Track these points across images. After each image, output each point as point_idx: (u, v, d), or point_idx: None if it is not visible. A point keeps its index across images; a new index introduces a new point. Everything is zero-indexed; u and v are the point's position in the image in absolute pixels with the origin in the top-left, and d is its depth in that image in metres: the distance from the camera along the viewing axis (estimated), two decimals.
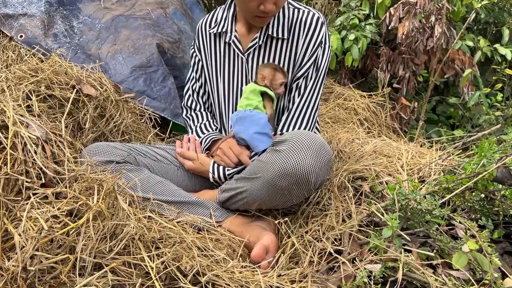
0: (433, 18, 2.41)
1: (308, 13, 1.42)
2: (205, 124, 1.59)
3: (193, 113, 1.65)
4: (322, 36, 1.42)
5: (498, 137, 1.89)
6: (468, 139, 1.96)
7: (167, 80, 1.91)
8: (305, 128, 1.42)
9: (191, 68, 1.65)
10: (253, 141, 1.37)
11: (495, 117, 2.35)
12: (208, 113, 1.65)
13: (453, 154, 1.72)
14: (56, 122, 1.30)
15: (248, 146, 1.41)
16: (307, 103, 1.43)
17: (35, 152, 1.05)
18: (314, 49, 1.41)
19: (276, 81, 1.41)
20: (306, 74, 1.42)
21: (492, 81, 2.65)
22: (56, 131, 1.23)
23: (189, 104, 1.66)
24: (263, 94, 1.41)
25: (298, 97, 1.43)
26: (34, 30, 1.83)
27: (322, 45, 1.42)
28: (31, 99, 1.30)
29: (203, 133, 1.56)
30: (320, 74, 1.44)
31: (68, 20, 1.96)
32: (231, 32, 1.48)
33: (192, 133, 1.59)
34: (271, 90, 1.41)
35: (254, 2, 1.29)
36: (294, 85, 1.44)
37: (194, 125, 1.61)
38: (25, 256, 0.84)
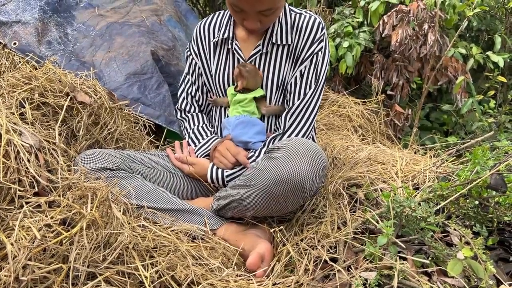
0: (426, 26, 2.43)
1: (310, 17, 1.43)
2: (202, 127, 1.58)
3: (188, 114, 1.63)
4: (321, 39, 1.42)
5: (491, 144, 1.91)
6: (462, 146, 1.97)
7: (161, 87, 1.91)
8: (299, 132, 1.43)
9: (185, 71, 1.62)
10: (253, 145, 1.43)
11: (488, 123, 2.37)
12: (204, 116, 1.64)
13: (447, 161, 1.73)
14: (49, 130, 1.30)
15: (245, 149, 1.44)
16: (306, 107, 1.43)
17: (28, 161, 1.04)
18: (313, 50, 1.41)
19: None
20: (303, 74, 1.42)
21: (484, 88, 2.68)
22: (49, 139, 1.23)
23: (183, 107, 1.64)
24: (256, 98, 1.45)
25: (297, 100, 1.42)
26: (28, 38, 1.82)
27: (323, 50, 1.43)
28: (24, 107, 1.29)
29: (202, 136, 1.55)
30: (320, 79, 1.44)
31: (62, 27, 1.95)
32: (232, 40, 1.48)
33: (188, 136, 1.58)
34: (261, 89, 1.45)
35: (238, 16, 1.32)
36: (292, 83, 1.44)
37: (190, 127, 1.59)
38: (17, 266, 0.83)
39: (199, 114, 1.63)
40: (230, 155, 1.42)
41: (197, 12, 3.47)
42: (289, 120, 1.43)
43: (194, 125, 1.60)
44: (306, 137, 1.44)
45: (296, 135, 1.42)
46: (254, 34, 1.39)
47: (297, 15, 1.44)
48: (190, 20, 2.51)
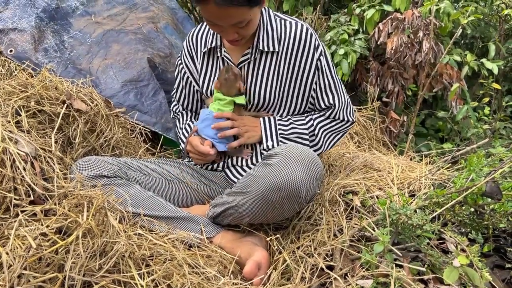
0: (421, 34, 2.45)
1: (296, 25, 1.44)
2: (188, 124, 1.64)
3: (178, 113, 1.72)
4: (318, 44, 1.45)
5: (486, 151, 1.92)
6: (457, 153, 1.98)
7: (158, 95, 1.91)
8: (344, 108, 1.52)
9: (175, 78, 1.69)
10: (216, 144, 1.46)
11: (483, 130, 2.38)
12: (193, 113, 1.71)
13: (442, 167, 1.73)
14: (46, 138, 1.29)
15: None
16: (337, 98, 1.50)
17: (24, 169, 1.04)
18: (314, 61, 1.44)
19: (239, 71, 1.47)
20: (317, 85, 1.48)
21: (479, 95, 2.69)
22: (45, 147, 1.22)
23: (174, 109, 1.75)
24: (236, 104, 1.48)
25: (328, 104, 1.50)
26: (24, 45, 1.82)
27: (323, 54, 1.47)
28: (20, 115, 1.29)
29: (188, 133, 1.61)
30: (332, 73, 1.50)
31: (58, 34, 1.96)
32: (220, 48, 1.48)
33: (182, 133, 1.65)
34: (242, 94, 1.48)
35: (215, 29, 1.34)
36: (313, 96, 1.50)
37: (180, 127, 1.68)
38: (12, 275, 0.83)
39: (188, 112, 1.71)
40: (196, 151, 1.46)
41: (194, 20, 3.48)
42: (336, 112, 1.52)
43: (183, 123, 1.67)
44: (350, 112, 1.55)
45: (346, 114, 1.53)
46: (235, 45, 1.39)
47: (283, 21, 1.44)
48: (187, 28, 2.51)
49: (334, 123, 1.52)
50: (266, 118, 1.48)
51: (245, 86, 1.47)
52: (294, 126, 1.48)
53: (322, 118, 1.51)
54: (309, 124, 1.48)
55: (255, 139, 1.48)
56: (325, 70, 1.47)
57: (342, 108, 1.51)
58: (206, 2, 1.18)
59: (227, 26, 1.27)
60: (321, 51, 1.46)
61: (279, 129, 1.47)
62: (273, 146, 1.46)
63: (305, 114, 1.52)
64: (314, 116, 1.50)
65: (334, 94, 1.49)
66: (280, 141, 1.46)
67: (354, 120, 1.57)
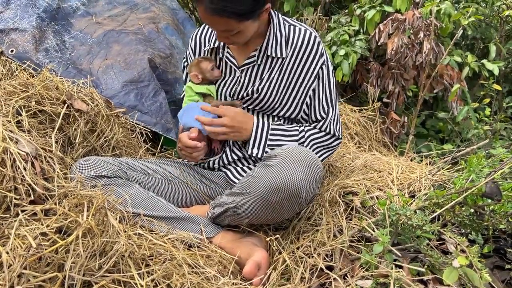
0: (421, 34, 2.45)
1: (305, 31, 1.43)
2: None
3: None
4: (322, 54, 1.45)
5: (486, 151, 1.91)
6: (457, 153, 1.98)
7: (158, 95, 1.92)
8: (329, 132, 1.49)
9: (184, 81, 1.67)
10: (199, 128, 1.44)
11: (484, 131, 2.38)
12: None
13: (442, 168, 1.73)
14: (46, 138, 1.30)
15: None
16: (328, 116, 1.49)
17: (25, 168, 1.04)
18: (316, 67, 1.44)
19: (207, 69, 1.47)
20: (315, 93, 1.47)
21: (480, 96, 2.69)
22: (46, 147, 1.22)
23: None
24: (204, 95, 1.50)
25: (320, 117, 1.49)
26: (25, 45, 1.82)
27: (326, 63, 1.46)
28: (21, 115, 1.29)
29: None
30: (332, 91, 1.49)
31: (59, 35, 1.96)
32: (223, 48, 1.49)
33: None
34: (211, 83, 1.51)
35: (211, 28, 1.38)
36: (308, 103, 1.49)
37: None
38: (12, 274, 0.83)
39: None
40: (185, 147, 1.43)
41: (194, 20, 3.48)
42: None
43: None
44: (339, 129, 1.52)
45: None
46: (250, 43, 1.41)
47: (291, 27, 1.44)
48: (187, 28, 2.52)
49: (325, 137, 1.50)
50: (260, 125, 1.45)
51: (241, 84, 1.48)
52: (283, 138, 1.45)
53: (314, 130, 1.49)
54: (300, 135, 1.46)
55: (241, 139, 1.46)
56: (325, 80, 1.47)
57: (332, 121, 1.50)
58: (201, 2, 1.22)
59: (218, 31, 1.32)
60: (324, 60, 1.46)
61: (269, 139, 1.45)
62: (257, 155, 1.44)
63: (298, 125, 1.49)
64: (306, 128, 1.48)
65: (330, 106, 1.49)
66: (266, 151, 1.44)
67: (341, 137, 1.54)
